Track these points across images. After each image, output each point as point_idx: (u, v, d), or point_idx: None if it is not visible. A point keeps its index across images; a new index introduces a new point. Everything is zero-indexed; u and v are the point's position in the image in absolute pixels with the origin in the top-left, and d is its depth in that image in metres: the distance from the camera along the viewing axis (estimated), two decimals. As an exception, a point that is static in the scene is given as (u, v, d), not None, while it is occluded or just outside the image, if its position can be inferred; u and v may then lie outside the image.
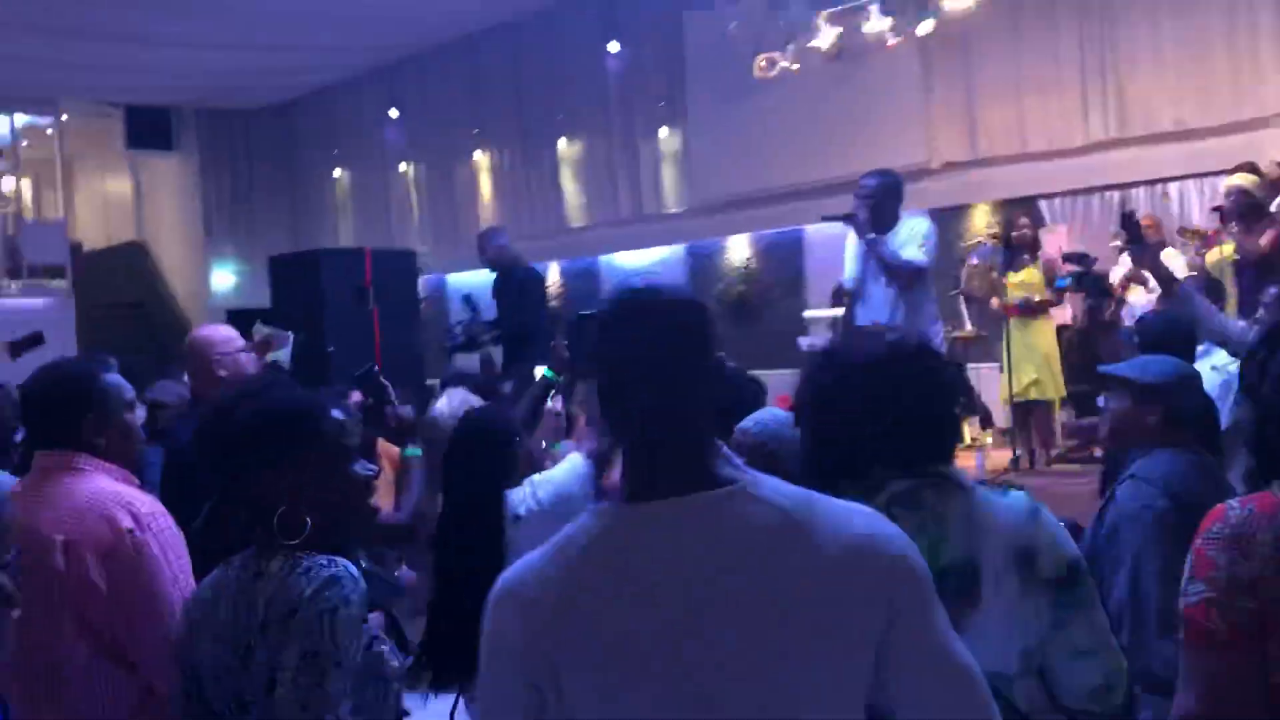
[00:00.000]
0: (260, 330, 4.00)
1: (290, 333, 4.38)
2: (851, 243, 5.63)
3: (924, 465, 1.77)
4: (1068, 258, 6.52)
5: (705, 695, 1.30)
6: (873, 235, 5.41)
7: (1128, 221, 4.55)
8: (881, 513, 1.42)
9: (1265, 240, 5.90)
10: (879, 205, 5.45)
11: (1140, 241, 4.83)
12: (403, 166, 13.56)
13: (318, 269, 8.53)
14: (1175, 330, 4.02)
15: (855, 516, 1.38)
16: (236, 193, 14.91)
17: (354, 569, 1.76)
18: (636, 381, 1.40)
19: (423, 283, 11.80)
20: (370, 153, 13.70)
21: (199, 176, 14.63)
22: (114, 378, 2.44)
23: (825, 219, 5.85)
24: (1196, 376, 3.00)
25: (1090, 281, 6.13)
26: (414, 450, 3.46)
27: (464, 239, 12.79)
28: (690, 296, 1.48)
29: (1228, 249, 6.07)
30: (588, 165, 11.82)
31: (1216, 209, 6.39)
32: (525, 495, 2.88)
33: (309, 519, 1.78)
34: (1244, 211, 6.07)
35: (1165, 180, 8.20)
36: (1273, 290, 4.28)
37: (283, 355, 4.14)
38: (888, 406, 1.77)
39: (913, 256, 5.38)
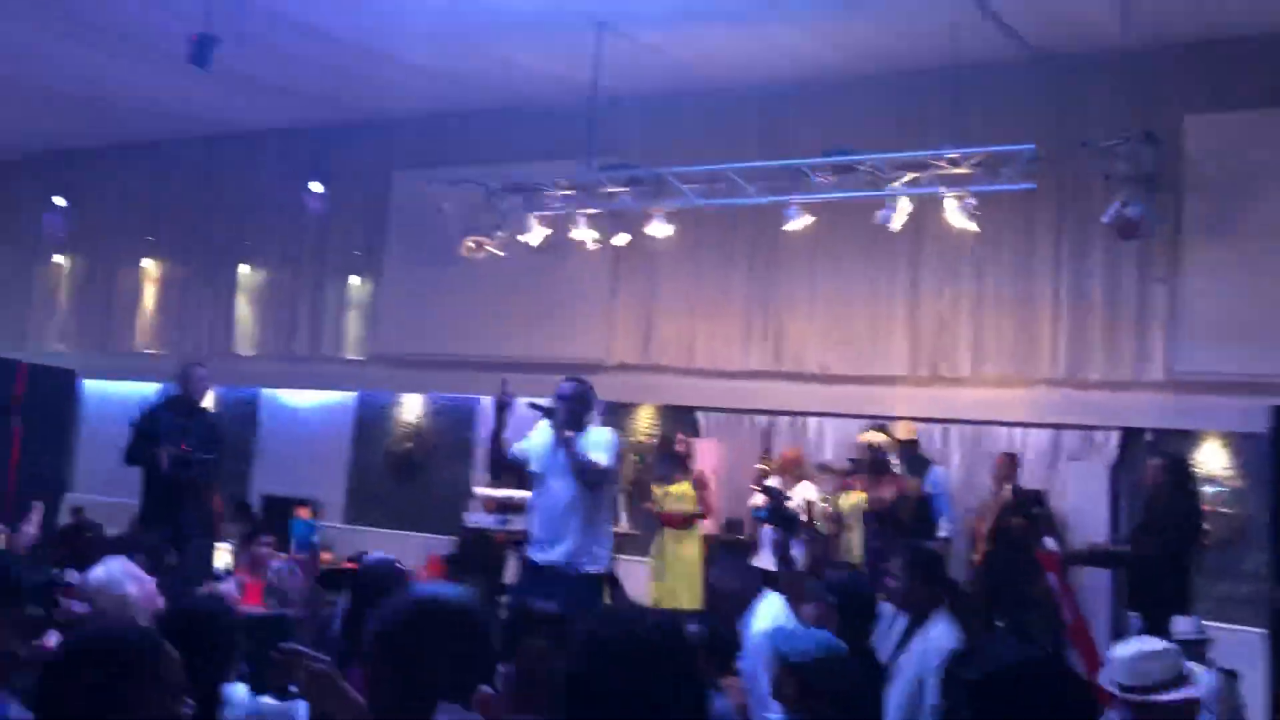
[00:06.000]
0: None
1: None
2: (539, 435, 5.99)
3: None
4: (763, 490, 7.17)
5: None
6: (569, 433, 5.81)
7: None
8: None
9: (888, 493, 6.90)
10: (575, 409, 5.91)
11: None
12: (57, 258, 12.62)
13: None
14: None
15: None
16: None
17: None
18: None
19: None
20: (20, 239, 12.65)
21: None
22: None
23: (531, 406, 6.06)
24: None
25: (781, 517, 6.76)
26: None
27: (114, 347, 12.01)
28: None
29: (859, 495, 6.99)
30: (268, 295, 11.56)
31: (853, 460, 7.38)
32: None
33: None
34: (872, 465, 7.08)
35: (805, 414, 9.25)
36: (897, 560, 4.95)
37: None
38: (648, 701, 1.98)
39: (599, 459, 5.87)
